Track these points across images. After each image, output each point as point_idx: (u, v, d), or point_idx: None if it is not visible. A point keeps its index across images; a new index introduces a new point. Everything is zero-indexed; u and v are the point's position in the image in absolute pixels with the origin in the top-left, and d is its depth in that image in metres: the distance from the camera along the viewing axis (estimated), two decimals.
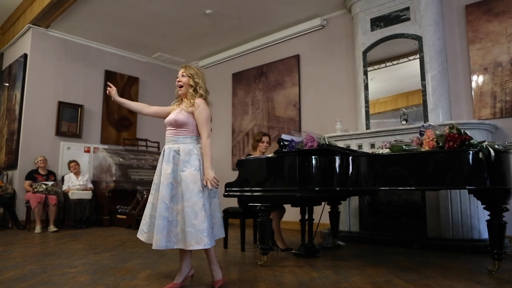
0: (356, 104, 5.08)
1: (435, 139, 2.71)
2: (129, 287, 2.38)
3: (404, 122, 4.66)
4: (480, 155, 2.55)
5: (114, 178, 6.05)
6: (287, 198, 3.09)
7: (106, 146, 6.80)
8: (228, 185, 3.31)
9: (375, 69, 4.97)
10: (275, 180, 3.04)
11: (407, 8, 4.63)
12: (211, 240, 2.25)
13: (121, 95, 2.61)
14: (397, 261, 3.25)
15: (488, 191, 2.67)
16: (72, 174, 6.02)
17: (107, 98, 6.87)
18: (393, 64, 4.88)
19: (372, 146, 4.47)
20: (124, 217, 5.84)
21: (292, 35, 6.17)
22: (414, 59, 4.60)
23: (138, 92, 7.42)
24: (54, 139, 6.30)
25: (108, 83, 2.61)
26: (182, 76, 2.46)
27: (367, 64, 4.95)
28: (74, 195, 5.76)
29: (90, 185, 6.12)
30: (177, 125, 2.39)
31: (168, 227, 2.25)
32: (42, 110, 6.20)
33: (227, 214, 3.91)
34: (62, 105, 6.39)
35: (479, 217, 3.74)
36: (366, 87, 4.91)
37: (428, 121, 4.16)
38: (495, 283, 2.52)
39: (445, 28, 4.56)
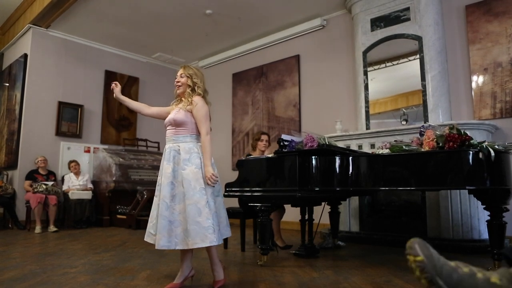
0: (356, 104, 5.08)
1: (435, 140, 2.71)
2: (129, 287, 2.38)
3: (404, 123, 4.65)
4: (480, 155, 2.55)
5: (114, 178, 6.05)
6: (287, 198, 3.10)
7: (106, 146, 6.80)
8: (228, 185, 3.31)
9: (375, 69, 4.97)
10: (275, 180, 3.04)
11: (407, 9, 4.63)
12: (218, 237, 2.23)
13: None
14: (397, 261, 3.25)
15: (488, 191, 2.67)
16: (72, 174, 6.02)
17: (107, 98, 6.90)
18: (393, 64, 4.87)
19: (372, 146, 4.47)
20: (124, 217, 5.84)
21: (292, 35, 6.17)
22: (414, 59, 4.60)
23: (138, 92, 7.43)
24: (54, 139, 6.30)
25: (114, 82, 2.59)
26: (181, 76, 2.46)
27: (367, 64, 4.95)
28: (74, 195, 5.76)
29: (90, 185, 6.13)
30: (176, 124, 2.39)
31: (169, 227, 2.24)
32: (42, 110, 6.20)
33: (227, 214, 3.90)
34: (62, 105, 6.39)
35: (479, 217, 3.74)
36: (366, 87, 4.91)
37: (428, 122, 4.16)
38: None
39: (445, 28, 4.56)
